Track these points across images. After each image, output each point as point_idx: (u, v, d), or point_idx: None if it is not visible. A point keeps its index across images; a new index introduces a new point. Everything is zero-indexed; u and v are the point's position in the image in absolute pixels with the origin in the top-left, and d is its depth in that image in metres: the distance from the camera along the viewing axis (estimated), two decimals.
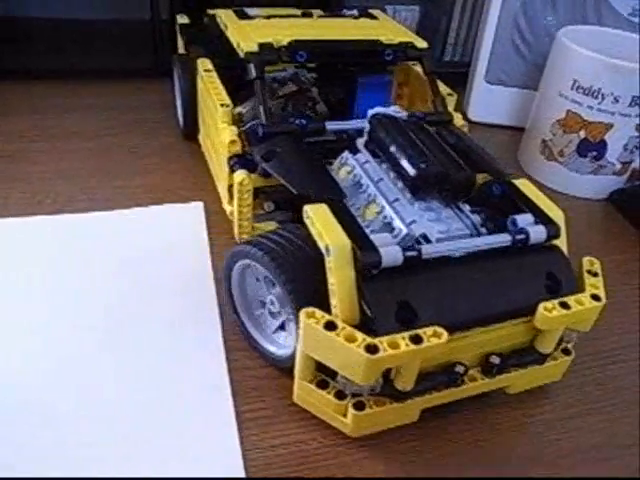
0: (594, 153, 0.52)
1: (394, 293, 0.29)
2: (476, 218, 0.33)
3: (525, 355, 0.32)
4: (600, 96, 0.49)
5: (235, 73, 0.45)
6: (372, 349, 0.27)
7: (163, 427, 0.30)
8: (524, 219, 0.32)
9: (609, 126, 0.50)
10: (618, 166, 0.53)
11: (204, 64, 0.46)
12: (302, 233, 0.32)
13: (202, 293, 0.38)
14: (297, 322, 0.31)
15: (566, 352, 0.34)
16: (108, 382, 0.32)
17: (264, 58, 0.40)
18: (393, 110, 0.37)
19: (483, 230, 0.33)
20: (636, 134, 0.51)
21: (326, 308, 0.28)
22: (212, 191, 0.46)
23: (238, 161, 0.39)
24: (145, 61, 0.60)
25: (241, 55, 0.40)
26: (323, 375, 0.31)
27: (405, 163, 0.32)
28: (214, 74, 0.45)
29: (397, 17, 0.69)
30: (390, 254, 0.29)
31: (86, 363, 0.33)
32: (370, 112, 0.36)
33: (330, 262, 0.28)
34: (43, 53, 0.61)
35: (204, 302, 0.37)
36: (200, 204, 0.46)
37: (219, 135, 0.40)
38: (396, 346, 0.27)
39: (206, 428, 0.31)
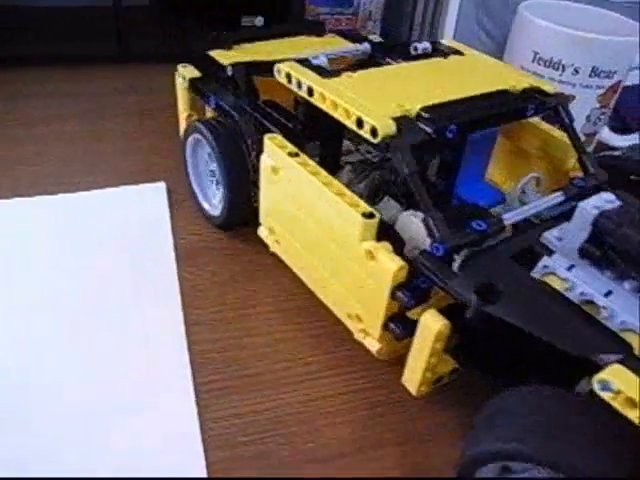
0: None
1: None
2: None
3: None
4: (561, 68, 0.48)
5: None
6: None
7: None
8: None
9: (571, 97, 0.48)
10: (582, 138, 0.51)
11: (279, 143, 0.33)
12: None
13: (163, 268, 0.38)
14: None
15: None
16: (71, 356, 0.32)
17: (411, 141, 0.29)
18: (607, 200, 0.29)
19: None
20: (597, 105, 0.50)
21: None
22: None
23: (412, 294, 0.28)
24: (110, 49, 0.58)
25: (372, 139, 0.29)
26: None
27: None
28: (308, 160, 0.32)
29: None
30: None
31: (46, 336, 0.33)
32: (586, 207, 0.28)
33: None
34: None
35: (164, 277, 0.38)
36: (162, 184, 0.46)
37: (368, 259, 0.29)
38: None
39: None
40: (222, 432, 0.30)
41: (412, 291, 0.28)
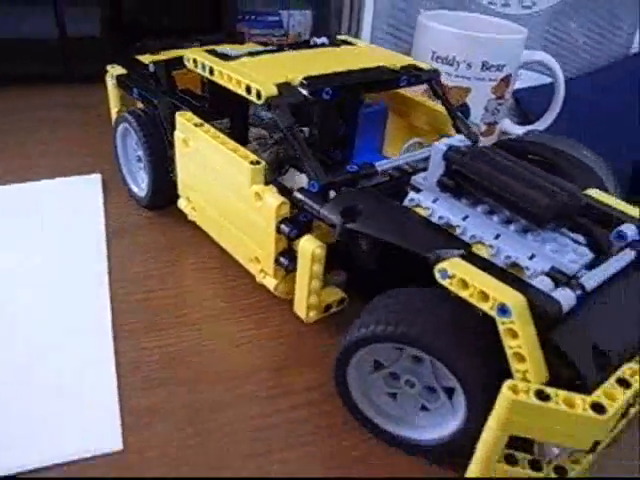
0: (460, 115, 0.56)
1: (584, 338, 0.26)
2: (581, 239, 0.32)
3: None
4: (455, 63, 0.53)
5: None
6: (598, 409, 0.24)
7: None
8: (630, 230, 0.31)
9: (467, 90, 0.55)
10: (483, 127, 0.58)
11: (188, 118, 0.38)
12: (429, 294, 0.28)
13: (93, 243, 0.42)
14: (469, 399, 0.26)
15: None
16: None
17: (290, 100, 0.34)
18: (459, 140, 0.34)
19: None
20: (493, 96, 0.55)
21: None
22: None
23: (293, 226, 0.33)
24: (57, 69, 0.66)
25: (258, 102, 0.34)
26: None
27: (531, 193, 0.29)
28: (210, 127, 0.37)
29: (291, 21, 0.69)
30: (567, 299, 0.26)
31: None
32: (438, 145, 0.33)
33: (510, 323, 0.25)
34: None
35: (94, 250, 0.42)
36: (98, 176, 0.50)
37: (256, 200, 0.33)
38: (614, 397, 0.24)
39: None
40: (133, 361, 0.34)
41: (294, 224, 0.33)
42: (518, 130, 0.57)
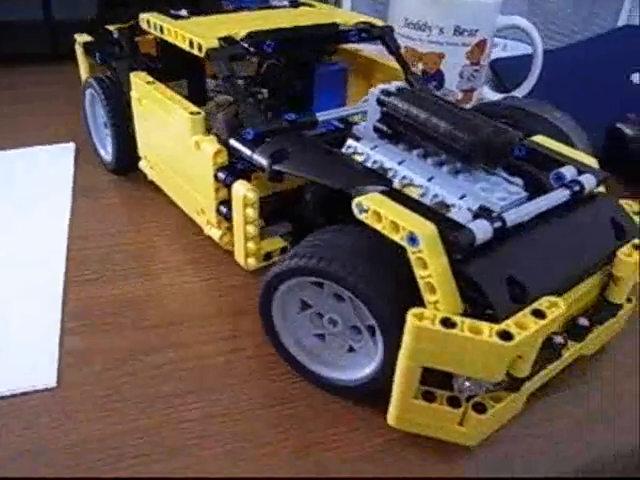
0: (434, 83, 0.55)
1: (499, 270, 0.25)
2: (519, 181, 0.31)
3: (603, 310, 0.31)
4: (427, 29, 0.52)
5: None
6: (505, 336, 0.23)
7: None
8: (569, 171, 0.31)
9: (441, 55, 0.54)
10: (460, 94, 0.56)
11: (142, 77, 0.39)
12: (352, 231, 0.28)
13: (58, 212, 0.43)
14: (384, 333, 0.26)
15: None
16: None
17: (230, 52, 0.34)
18: (396, 85, 0.33)
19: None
20: (468, 62, 0.54)
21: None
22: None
23: (229, 173, 0.33)
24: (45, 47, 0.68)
25: (199, 54, 0.34)
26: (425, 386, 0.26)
27: (453, 129, 0.29)
28: (160, 85, 0.38)
29: None
30: (482, 229, 0.25)
31: None
32: (375, 90, 0.33)
33: (420, 252, 0.24)
34: None
35: (57, 219, 0.42)
36: (72, 144, 0.52)
37: (196, 150, 0.34)
38: (524, 326, 0.24)
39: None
40: (79, 308, 0.35)
41: (230, 171, 0.33)
42: (497, 97, 0.56)
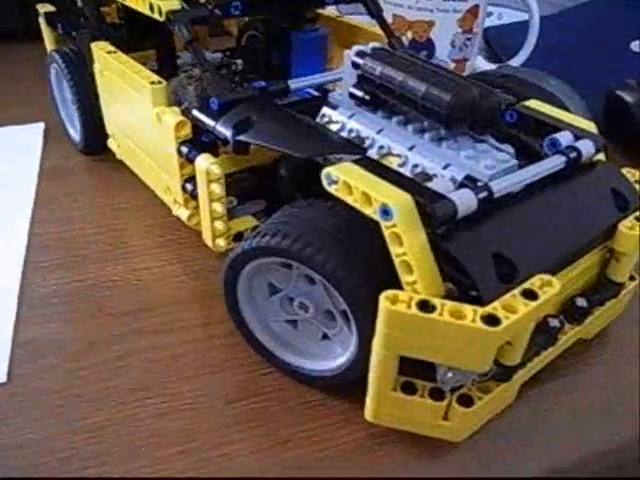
0: (425, 52, 0.52)
1: (484, 245, 0.23)
2: (509, 149, 0.28)
3: (603, 290, 0.28)
4: None
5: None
6: (491, 320, 0.21)
7: None
8: (564, 137, 0.28)
9: (431, 23, 0.50)
10: (452, 64, 0.53)
11: (103, 47, 0.36)
12: (321, 206, 0.25)
13: (24, 184, 0.41)
14: (357, 319, 0.24)
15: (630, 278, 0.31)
16: None
17: (193, 15, 0.31)
18: (372, 46, 0.31)
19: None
20: (460, 30, 0.51)
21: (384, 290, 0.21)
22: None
23: (193, 147, 0.30)
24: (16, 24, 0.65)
25: (160, 18, 0.32)
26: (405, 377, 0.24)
27: (433, 90, 0.26)
28: (122, 54, 0.35)
29: None
30: (464, 200, 0.22)
31: None
32: (349, 52, 0.30)
33: (394, 227, 0.22)
34: None
35: (23, 190, 0.41)
36: (41, 124, 0.49)
37: (157, 122, 0.31)
38: (513, 309, 0.21)
39: None
40: (36, 295, 0.32)
41: (194, 145, 0.30)
42: (492, 67, 0.53)
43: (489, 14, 0.60)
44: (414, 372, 0.24)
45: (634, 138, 0.46)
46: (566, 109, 0.40)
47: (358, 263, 0.23)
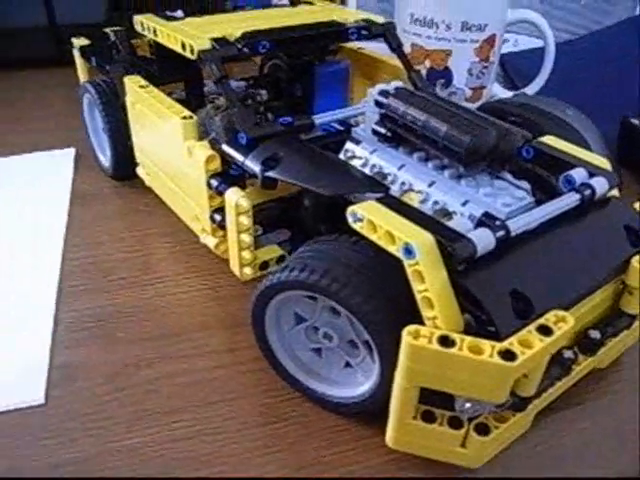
0: (442, 81, 0.53)
1: (502, 283, 0.24)
2: (526, 185, 0.30)
3: (616, 322, 0.29)
4: (434, 25, 0.50)
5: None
6: (507, 355, 0.22)
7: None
8: (579, 174, 0.29)
9: (448, 52, 0.52)
10: (469, 92, 0.54)
11: (135, 81, 0.38)
12: (347, 241, 0.26)
13: (55, 218, 0.42)
14: (380, 351, 0.25)
15: None
16: None
17: (223, 54, 0.33)
18: (394, 86, 0.32)
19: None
20: (477, 59, 0.52)
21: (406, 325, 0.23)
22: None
23: (222, 180, 0.32)
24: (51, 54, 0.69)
25: (191, 57, 0.33)
26: (425, 406, 0.25)
27: (453, 131, 0.27)
28: (153, 88, 0.37)
29: None
30: (483, 240, 0.24)
31: None
32: (373, 91, 0.31)
33: (416, 265, 0.23)
34: None
35: (53, 226, 0.42)
36: (72, 150, 0.51)
37: (188, 156, 0.33)
38: (529, 345, 0.22)
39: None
40: (70, 319, 0.34)
41: (223, 178, 0.32)
42: (508, 95, 0.54)
43: (505, 41, 0.61)
44: (434, 400, 0.25)
45: None
46: (583, 139, 0.42)
47: (382, 298, 0.24)
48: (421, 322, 0.23)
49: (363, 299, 0.24)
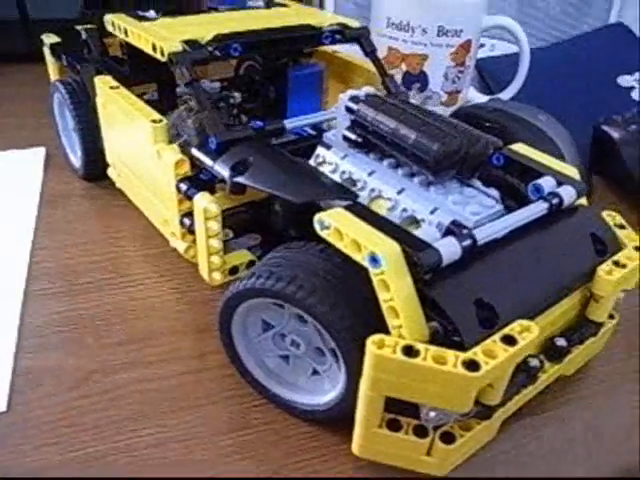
0: (417, 84, 0.54)
1: (467, 292, 0.24)
2: (495, 193, 0.30)
3: (582, 329, 0.29)
4: (410, 29, 0.50)
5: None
6: (471, 365, 0.22)
7: None
8: (547, 183, 0.29)
9: (424, 57, 0.52)
10: (444, 96, 0.54)
11: (106, 82, 0.37)
12: (314, 249, 0.26)
13: (24, 211, 0.42)
14: (346, 359, 0.25)
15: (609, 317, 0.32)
16: None
17: (194, 57, 0.32)
18: (365, 91, 0.32)
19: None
20: (453, 64, 0.52)
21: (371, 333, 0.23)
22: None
23: (191, 184, 0.31)
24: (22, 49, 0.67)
25: (162, 59, 0.33)
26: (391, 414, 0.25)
27: (422, 139, 0.27)
28: (124, 90, 0.36)
29: None
30: (449, 249, 0.24)
31: None
32: (343, 96, 0.31)
33: (381, 274, 0.23)
34: None
35: (24, 216, 0.41)
36: (42, 149, 0.50)
37: (158, 159, 0.32)
38: (493, 355, 0.22)
39: None
40: (36, 324, 0.33)
41: (193, 183, 0.31)
42: (483, 99, 0.55)
43: (481, 45, 0.61)
44: (399, 408, 0.25)
45: (619, 172, 0.48)
46: (554, 145, 0.42)
47: (347, 306, 0.24)
48: (387, 331, 0.23)
49: (329, 307, 0.24)
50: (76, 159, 0.45)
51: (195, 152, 0.31)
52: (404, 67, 0.52)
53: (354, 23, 0.39)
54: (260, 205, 0.34)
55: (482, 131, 0.30)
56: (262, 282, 0.25)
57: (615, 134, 0.48)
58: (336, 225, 0.24)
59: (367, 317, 0.24)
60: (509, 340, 0.23)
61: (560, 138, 0.44)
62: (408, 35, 0.50)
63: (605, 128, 0.49)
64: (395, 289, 0.23)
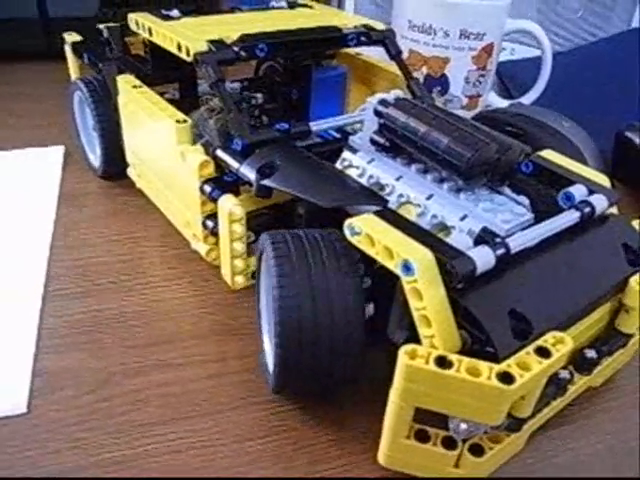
0: (438, 88, 0.54)
1: (501, 302, 0.23)
2: (525, 201, 0.29)
3: (612, 340, 0.29)
4: (432, 32, 0.50)
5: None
6: (505, 378, 0.21)
7: None
8: (579, 191, 0.28)
9: (446, 60, 0.52)
10: (465, 100, 0.54)
11: (128, 81, 0.37)
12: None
13: (42, 219, 0.41)
14: None
15: None
16: None
17: (219, 57, 0.32)
18: (394, 95, 0.31)
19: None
20: (474, 67, 0.52)
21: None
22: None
23: (216, 186, 0.31)
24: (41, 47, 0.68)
25: (187, 58, 0.32)
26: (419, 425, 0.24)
27: (454, 145, 0.27)
28: (147, 89, 0.36)
29: None
30: (483, 258, 0.23)
31: None
32: (372, 99, 0.30)
33: (414, 282, 0.22)
34: None
35: (40, 227, 0.40)
36: (61, 147, 0.50)
37: (182, 160, 0.32)
38: (527, 367, 0.22)
39: None
40: (56, 324, 0.33)
41: (217, 184, 0.31)
42: (504, 104, 0.54)
43: (502, 49, 0.61)
44: (427, 418, 0.24)
45: None
46: (578, 152, 0.41)
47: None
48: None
49: None
50: (95, 158, 0.45)
51: (220, 153, 0.31)
52: (425, 70, 0.52)
53: (379, 25, 0.38)
54: (283, 207, 0.33)
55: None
56: None
57: (638, 140, 0.48)
58: (367, 231, 0.24)
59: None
60: (543, 352, 0.22)
61: (584, 145, 0.43)
62: (430, 38, 0.50)
63: (628, 134, 0.48)
64: (428, 298, 0.22)
